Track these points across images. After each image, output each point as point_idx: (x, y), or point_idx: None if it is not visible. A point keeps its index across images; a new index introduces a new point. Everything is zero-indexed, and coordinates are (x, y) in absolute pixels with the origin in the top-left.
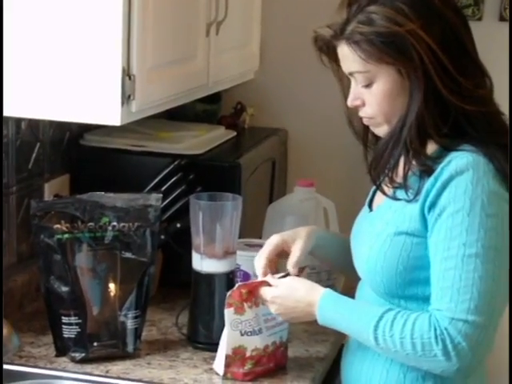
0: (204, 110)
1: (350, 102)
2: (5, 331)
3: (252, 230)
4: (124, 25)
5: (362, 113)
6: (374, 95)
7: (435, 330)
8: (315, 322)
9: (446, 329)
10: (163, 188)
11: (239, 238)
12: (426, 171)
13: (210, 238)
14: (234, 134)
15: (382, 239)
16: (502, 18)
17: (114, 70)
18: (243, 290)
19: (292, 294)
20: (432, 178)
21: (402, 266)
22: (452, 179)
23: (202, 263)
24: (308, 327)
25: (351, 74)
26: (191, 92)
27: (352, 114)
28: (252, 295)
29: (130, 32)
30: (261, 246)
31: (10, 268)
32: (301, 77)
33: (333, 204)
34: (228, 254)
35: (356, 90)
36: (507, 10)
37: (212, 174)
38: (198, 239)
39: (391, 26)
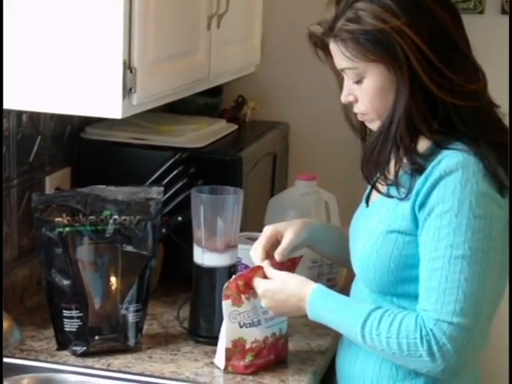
0: (205, 103)
1: (343, 98)
2: (6, 325)
3: (253, 223)
4: (125, 18)
5: (356, 109)
6: (364, 91)
7: (421, 330)
8: None
9: (431, 330)
10: (164, 181)
11: (240, 231)
12: (417, 170)
13: (212, 231)
14: (236, 127)
15: (374, 237)
16: (503, 11)
17: (115, 63)
18: (240, 282)
19: (284, 288)
20: (423, 177)
21: (393, 264)
22: (441, 179)
23: (204, 257)
24: (309, 321)
25: (342, 70)
26: (192, 85)
27: (349, 109)
28: (249, 287)
29: (131, 25)
30: None
31: (11, 262)
32: (302, 70)
33: (334, 198)
34: (229, 247)
35: (348, 85)
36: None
37: (213, 168)
38: (199, 233)
39: (377, 23)
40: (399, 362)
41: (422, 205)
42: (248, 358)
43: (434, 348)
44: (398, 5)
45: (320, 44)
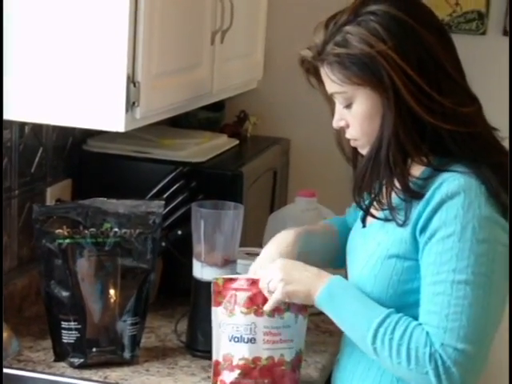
0: (207, 117)
1: (334, 123)
2: (4, 335)
3: (253, 238)
4: (129, 32)
5: (348, 134)
6: (354, 116)
7: (430, 347)
8: (313, 330)
9: (437, 350)
10: (165, 195)
11: (240, 246)
12: (414, 197)
13: (211, 246)
14: (237, 142)
15: (373, 261)
16: (505, 33)
17: (118, 76)
18: (245, 294)
19: (301, 265)
20: (424, 201)
21: (392, 289)
22: (443, 203)
23: (203, 271)
24: (306, 337)
25: (332, 94)
26: (195, 100)
27: (341, 136)
28: (252, 302)
29: (135, 39)
30: None
31: (10, 272)
32: (304, 87)
33: (334, 215)
34: (228, 262)
35: (339, 110)
36: None
37: (214, 183)
38: (198, 247)
39: (364, 47)
40: (401, 373)
41: (423, 228)
42: (234, 375)
43: (441, 369)
44: (385, 29)
45: (312, 70)
